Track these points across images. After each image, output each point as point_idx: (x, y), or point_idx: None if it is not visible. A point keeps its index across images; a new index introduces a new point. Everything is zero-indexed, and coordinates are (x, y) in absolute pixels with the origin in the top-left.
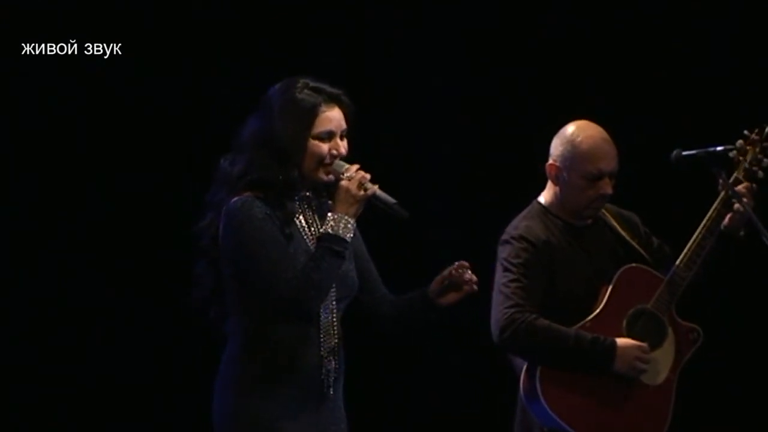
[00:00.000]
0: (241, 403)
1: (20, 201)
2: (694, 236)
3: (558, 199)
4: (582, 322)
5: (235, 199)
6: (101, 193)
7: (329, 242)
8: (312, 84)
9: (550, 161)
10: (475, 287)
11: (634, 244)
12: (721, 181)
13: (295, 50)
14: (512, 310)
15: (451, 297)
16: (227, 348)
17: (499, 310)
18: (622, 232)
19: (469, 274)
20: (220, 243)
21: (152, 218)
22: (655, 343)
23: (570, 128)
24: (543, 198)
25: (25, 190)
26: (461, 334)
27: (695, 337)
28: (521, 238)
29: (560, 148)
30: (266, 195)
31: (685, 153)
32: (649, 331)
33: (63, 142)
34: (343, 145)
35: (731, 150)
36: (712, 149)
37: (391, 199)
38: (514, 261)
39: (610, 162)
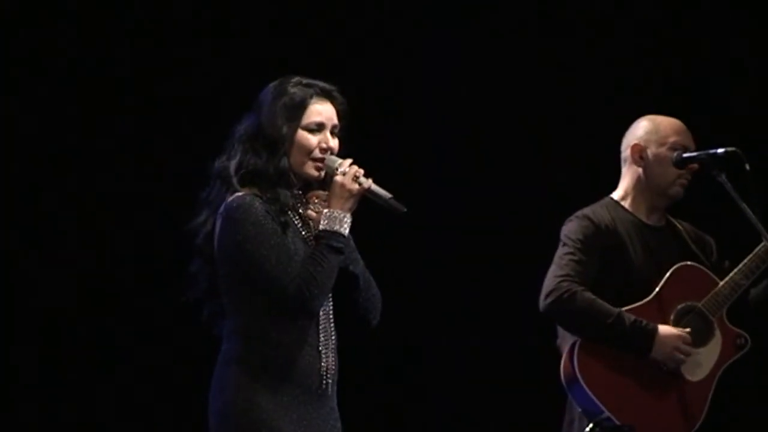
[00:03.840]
0: (239, 403)
1: (15, 200)
2: (758, 247)
3: (638, 188)
4: (629, 307)
5: (234, 197)
6: (100, 192)
7: (327, 239)
8: (305, 80)
9: (633, 143)
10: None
11: (700, 256)
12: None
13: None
14: (561, 279)
15: None
16: (223, 348)
17: (549, 278)
18: (691, 244)
19: None
20: (216, 242)
21: (146, 216)
22: (701, 342)
23: (645, 117)
24: (616, 194)
25: (22, 190)
26: (459, 334)
27: (742, 342)
28: (585, 216)
29: (641, 130)
30: (261, 189)
31: (685, 155)
32: (696, 328)
33: (56, 139)
34: (333, 141)
35: (732, 152)
36: (712, 152)
37: (386, 194)
38: (573, 236)
39: (692, 140)
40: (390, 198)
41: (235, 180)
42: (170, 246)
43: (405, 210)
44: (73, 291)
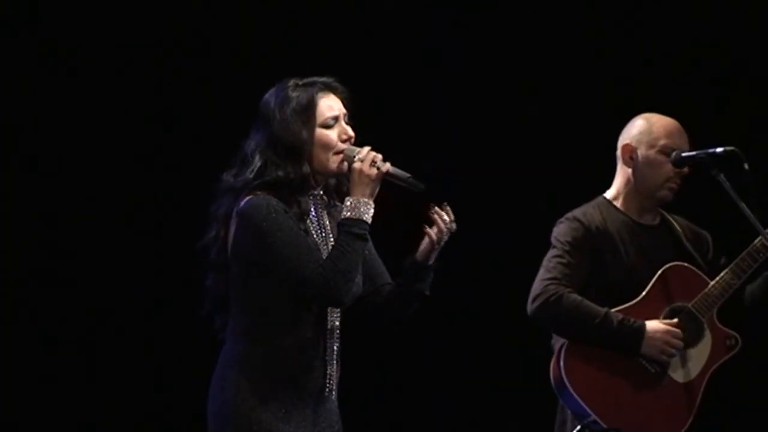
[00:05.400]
0: (239, 403)
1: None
2: (750, 247)
3: (629, 187)
4: (618, 308)
5: (249, 197)
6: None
7: (350, 226)
8: (302, 80)
9: (625, 142)
10: (448, 225)
11: (695, 254)
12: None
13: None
14: (548, 282)
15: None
16: (225, 349)
17: (536, 282)
18: (686, 242)
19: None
20: (232, 244)
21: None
22: (691, 342)
23: (642, 115)
24: (609, 193)
25: (28, 195)
26: (462, 335)
27: (732, 343)
28: (575, 219)
29: (635, 129)
30: (279, 194)
31: (684, 154)
32: (686, 328)
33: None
34: (350, 130)
35: (731, 151)
36: (711, 151)
37: (405, 174)
38: (562, 239)
39: (686, 142)
40: (409, 177)
41: (249, 188)
42: (170, 245)
43: (424, 187)
44: (72, 289)
